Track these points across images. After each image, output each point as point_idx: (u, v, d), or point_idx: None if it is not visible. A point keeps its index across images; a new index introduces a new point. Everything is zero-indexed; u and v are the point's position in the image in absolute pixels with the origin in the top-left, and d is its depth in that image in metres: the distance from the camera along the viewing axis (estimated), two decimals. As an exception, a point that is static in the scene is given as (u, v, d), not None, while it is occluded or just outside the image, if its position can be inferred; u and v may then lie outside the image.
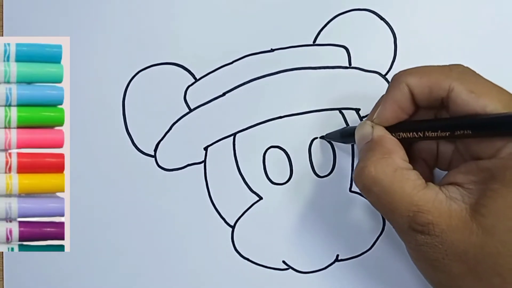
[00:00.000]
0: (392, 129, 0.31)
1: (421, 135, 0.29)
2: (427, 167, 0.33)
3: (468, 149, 0.30)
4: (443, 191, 0.28)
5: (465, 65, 0.30)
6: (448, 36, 0.36)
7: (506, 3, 0.36)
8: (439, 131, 0.29)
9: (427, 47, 0.36)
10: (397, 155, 0.29)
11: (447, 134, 0.28)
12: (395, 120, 0.31)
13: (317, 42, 0.37)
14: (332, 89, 0.37)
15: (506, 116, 0.26)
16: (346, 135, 0.34)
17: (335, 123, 0.37)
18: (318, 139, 0.37)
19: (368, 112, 0.36)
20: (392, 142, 0.30)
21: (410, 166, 0.29)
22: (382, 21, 0.37)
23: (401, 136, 0.30)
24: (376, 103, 0.32)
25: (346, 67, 0.37)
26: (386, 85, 0.36)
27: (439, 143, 0.32)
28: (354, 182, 0.30)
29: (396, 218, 0.28)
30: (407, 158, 0.30)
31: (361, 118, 0.37)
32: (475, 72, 0.29)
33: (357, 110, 0.37)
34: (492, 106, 0.27)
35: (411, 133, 0.30)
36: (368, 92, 0.37)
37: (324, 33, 0.37)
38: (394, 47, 0.37)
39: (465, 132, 0.28)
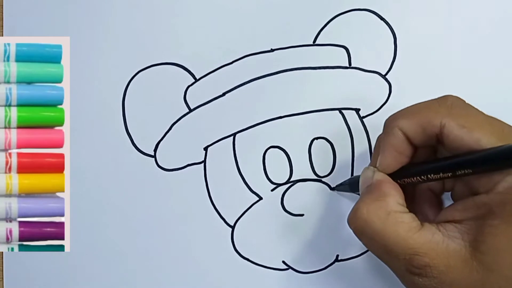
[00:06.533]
0: (395, 175, 0.30)
1: (425, 179, 0.29)
2: (435, 197, 0.33)
3: (467, 184, 0.29)
4: (441, 230, 0.28)
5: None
6: (448, 36, 0.36)
7: (506, 2, 0.36)
8: (441, 173, 0.28)
9: (427, 47, 0.36)
10: (392, 198, 0.29)
11: (449, 175, 0.28)
12: (398, 165, 0.30)
13: (317, 42, 0.37)
14: (332, 89, 0.37)
15: (503, 150, 0.26)
16: (353, 183, 0.34)
17: (335, 123, 0.37)
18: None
19: (368, 112, 0.37)
20: (389, 186, 0.30)
21: (405, 209, 0.29)
22: (382, 21, 0.37)
23: (406, 182, 0.30)
24: (375, 149, 0.32)
25: (346, 67, 0.37)
26: (386, 85, 0.36)
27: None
28: (348, 224, 0.30)
29: (392, 260, 0.28)
30: (403, 202, 0.30)
31: (361, 118, 0.37)
32: (464, 102, 0.29)
33: (357, 110, 0.37)
34: (485, 139, 0.27)
35: (415, 178, 0.30)
36: (368, 92, 0.37)
37: (324, 33, 0.37)
38: (394, 47, 0.37)
39: (466, 171, 0.27)
